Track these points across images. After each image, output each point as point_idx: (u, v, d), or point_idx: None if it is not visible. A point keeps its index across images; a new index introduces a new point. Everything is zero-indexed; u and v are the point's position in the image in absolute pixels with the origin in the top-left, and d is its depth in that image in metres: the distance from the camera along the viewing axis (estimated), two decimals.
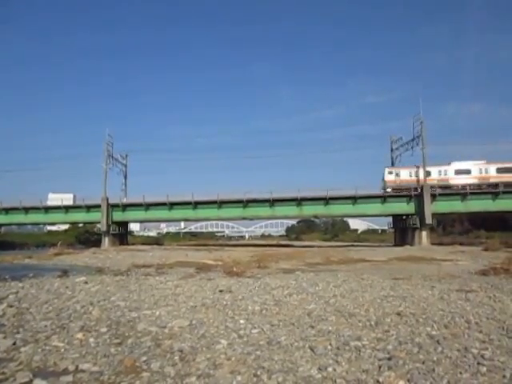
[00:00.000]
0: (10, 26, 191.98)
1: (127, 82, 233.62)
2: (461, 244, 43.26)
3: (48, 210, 57.34)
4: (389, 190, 48.32)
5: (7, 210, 57.60)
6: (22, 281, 14.28)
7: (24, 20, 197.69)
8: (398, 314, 7.59)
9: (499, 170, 45.31)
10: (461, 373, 4.49)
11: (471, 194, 45.87)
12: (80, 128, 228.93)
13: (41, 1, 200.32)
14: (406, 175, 47.68)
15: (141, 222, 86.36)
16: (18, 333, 6.90)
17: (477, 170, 46.03)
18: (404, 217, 50.12)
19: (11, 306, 9.25)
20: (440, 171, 46.87)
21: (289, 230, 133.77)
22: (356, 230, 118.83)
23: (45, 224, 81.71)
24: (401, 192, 47.66)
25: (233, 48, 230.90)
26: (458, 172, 46.43)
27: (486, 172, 45.75)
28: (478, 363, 4.75)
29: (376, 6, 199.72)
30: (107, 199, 53.57)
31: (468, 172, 46.22)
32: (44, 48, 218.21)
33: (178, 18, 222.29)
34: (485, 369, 4.56)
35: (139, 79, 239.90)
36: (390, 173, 48.23)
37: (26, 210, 56.93)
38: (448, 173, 46.74)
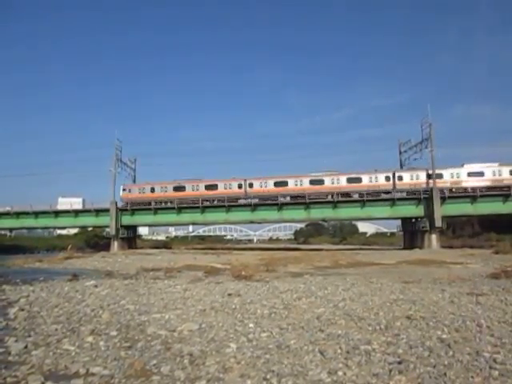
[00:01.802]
0: (10, 26, 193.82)
1: (135, 86, 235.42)
2: (471, 247, 42.68)
3: (58, 214, 57.86)
4: (123, 203, 54.44)
5: (18, 214, 58.24)
6: (33, 284, 14.46)
7: (31, 20, 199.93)
8: (408, 317, 7.54)
9: None
10: (472, 377, 4.44)
11: (481, 196, 45.35)
12: (88, 132, 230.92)
13: (48, 1, 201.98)
14: (135, 192, 54.35)
15: (149, 225, 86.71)
16: (30, 336, 6.99)
17: None
18: (413, 220, 49.69)
19: (22, 310, 9.38)
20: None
21: (297, 233, 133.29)
22: (365, 233, 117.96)
23: (55, 228, 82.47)
24: (139, 206, 53.51)
25: (240, 52, 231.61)
26: None
27: None
28: (490, 367, 4.69)
29: (383, 8, 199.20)
30: (116, 203, 53.88)
31: None
32: (49, 50, 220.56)
33: (185, 22, 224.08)
34: (497, 373, 4.51)
35: (146, 83, 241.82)
36: (124, 189, 54.81)
37: (37, 214, 57.52)
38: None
